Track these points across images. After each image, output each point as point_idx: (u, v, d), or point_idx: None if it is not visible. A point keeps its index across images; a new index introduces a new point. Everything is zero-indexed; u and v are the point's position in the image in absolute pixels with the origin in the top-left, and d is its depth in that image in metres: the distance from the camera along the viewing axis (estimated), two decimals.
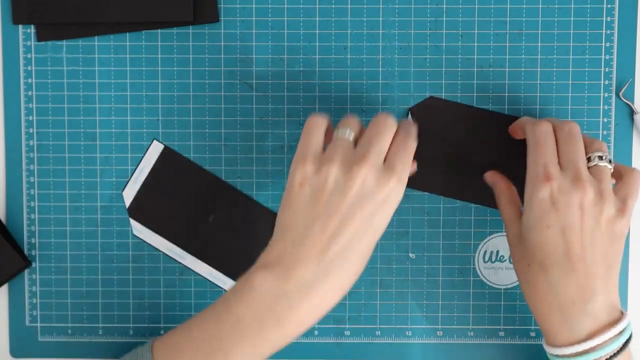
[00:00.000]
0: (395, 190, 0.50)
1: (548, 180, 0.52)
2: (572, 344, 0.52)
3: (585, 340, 0.52)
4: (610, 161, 0.55)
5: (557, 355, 0.54)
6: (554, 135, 0.55)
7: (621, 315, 0.53)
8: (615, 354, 0.52)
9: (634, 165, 0.63)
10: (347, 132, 0.51)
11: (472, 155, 0.62)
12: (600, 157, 0.54)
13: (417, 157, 0.54)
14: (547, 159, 0.53)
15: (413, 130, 0.53)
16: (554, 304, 0.53)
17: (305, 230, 0.48)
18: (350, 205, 0.48)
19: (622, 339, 0.52)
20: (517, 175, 0.58)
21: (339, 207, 0.48)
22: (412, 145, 0.52)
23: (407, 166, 0.51)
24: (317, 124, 0.52)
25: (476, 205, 0.63)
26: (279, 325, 0.48)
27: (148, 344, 0.53)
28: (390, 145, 0.51)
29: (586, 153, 0.55)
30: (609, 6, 0.62)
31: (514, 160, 0.60)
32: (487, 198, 0.61)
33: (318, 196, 0.48)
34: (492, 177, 0.60)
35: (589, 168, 0.54)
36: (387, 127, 0.51)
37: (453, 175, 0.62)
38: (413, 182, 0.61)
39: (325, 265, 0.48)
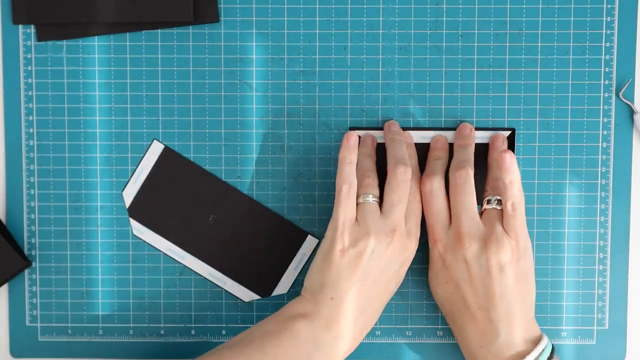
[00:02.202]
0: (414, 251, 0.59)
1: (434, 242, 0.58)
2: None
3: None
4: (498, 201, 0.58)
5: None
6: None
7: (527, 349, 0.56)
8: None
9: (633, 165, 0.63)
10: (370, 197, 0.57)
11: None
12: (489, 201, 0.58)
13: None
14: (433, 220, 0.58)
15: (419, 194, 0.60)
16: (465, 346, 0.59)
17: (344, 291, 0.55)
18: (381, 270, 0.56)
19: None
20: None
21: (373, 272, 0.56)
22: (420, 208, 0.59)
23: (419, 227, 0.59)
24: (348, 194, 0.57)
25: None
26: None
27: None
28: (407, 209, 0.58)
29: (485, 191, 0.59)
30: (609, 6, 0.62)
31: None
32: None
33: (356, 264, 0.56)
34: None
35: (481, 213, 0.58)
36: (405, 190, 0.57)
37: None
38: None
39: (359, 322, 0.57)
